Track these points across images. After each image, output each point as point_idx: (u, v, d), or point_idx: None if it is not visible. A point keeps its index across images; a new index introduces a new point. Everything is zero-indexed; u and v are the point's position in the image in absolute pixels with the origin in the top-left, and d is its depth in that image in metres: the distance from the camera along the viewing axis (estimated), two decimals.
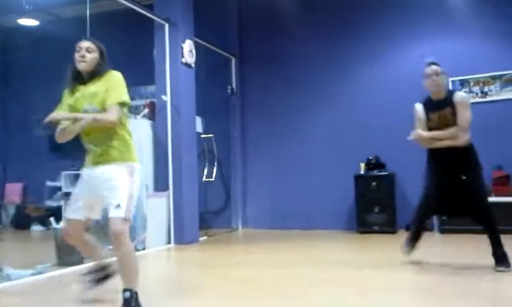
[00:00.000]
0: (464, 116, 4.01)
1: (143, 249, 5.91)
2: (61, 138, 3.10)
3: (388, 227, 6.68)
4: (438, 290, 3.53)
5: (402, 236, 6.43)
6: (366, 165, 7.00)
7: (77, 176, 3.52)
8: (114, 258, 3.03)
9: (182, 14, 6.45)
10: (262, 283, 3.93)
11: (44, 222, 8.05)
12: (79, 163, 3.86)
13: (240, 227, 7.92)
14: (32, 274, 4.28)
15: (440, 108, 4.09)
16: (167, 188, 6.26)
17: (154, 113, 6.54)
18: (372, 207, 6.80)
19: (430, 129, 4.15)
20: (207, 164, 7.72)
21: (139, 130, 6.32)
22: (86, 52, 3.04)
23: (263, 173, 7.92)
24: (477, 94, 6.67)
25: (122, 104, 3.02)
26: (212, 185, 7.78)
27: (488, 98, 6.66)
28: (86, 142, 3.10)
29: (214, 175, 7.74)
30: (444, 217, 4.27)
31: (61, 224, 4.23)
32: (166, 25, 6.37)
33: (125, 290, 2.88)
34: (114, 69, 3.12)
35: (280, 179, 7.75)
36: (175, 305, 3.37)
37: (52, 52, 6.74)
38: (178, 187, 6.26)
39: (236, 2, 8.11)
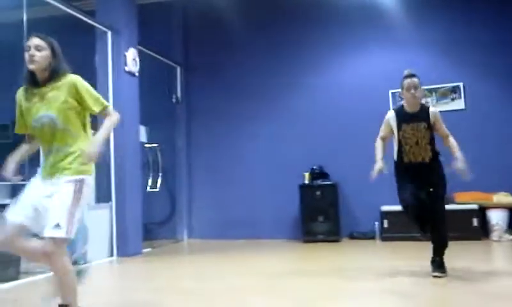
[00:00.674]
0: (444, 129, 4.14)
1: (84, 262, 5.71)
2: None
3: (333, 235, 6.80)
4: (374, 294, 3.62)
5: (346, 244, 6.61)
6: (310, 174, 7.10)
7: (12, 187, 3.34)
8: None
9: (125, 21, 6.34)
10: (203, 295, 3.88)
11: None
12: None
13: (185, 238, 7.82)
14: None
15: (415, 121, 4.09)
16: (109, 200, 6.10)
17: (96, 122, 6.36)
18: (317, 216, 6.89)
19: (400, 139, 4.13)
20: (151, 174, 7.58)
21: None
22: (36, 51, 2.82)
23: (208, 183, 7.87)
24: None
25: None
26: (157, 196, 7.64)
27: None
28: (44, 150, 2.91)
29: (158, 185, 7.62)
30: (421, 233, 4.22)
31: None
32: (109, 33, 6.24)
33: (60, 306, 2.76)
34: (73, 72, 2.96)
35: (225, 189, 7.73)
36: None
37: None
38: (121, 198, 6.11)
39: (181, 11, 8.06)
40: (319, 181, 7.01)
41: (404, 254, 5.50)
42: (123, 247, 6.06)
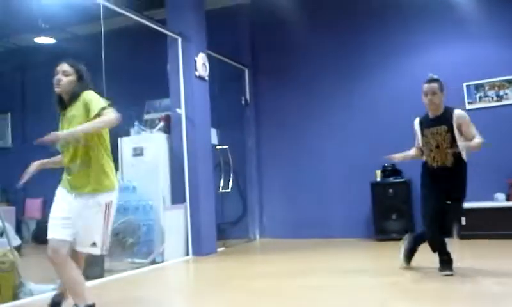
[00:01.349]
0: (472, 132, 3.98)
1: (162, 261, 5.95)
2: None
3: (406, 234, 6.59)
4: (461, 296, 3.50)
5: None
6: (382, 172, 6.97)
7: None
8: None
9: (194, 28, 6.53)
10: (282, 293, 3.92)
11: None
12: None
13: (257, 237, 7.93)
14: (54, 289, 4.33)
15: (435, 125, 4.10)
16: (184, 200, 6.31)
17: (169, 126, 6.61)
18: (389, 214, 6.76)
19: (423, 144, 4.21)
20: (222, 175, 7.74)
21: (155, 144, 6.44)
22: (63, 76, 3.02)
23: (279, 182, 7.93)
24: (492, 98, 6.62)
25: (106, 107, 2.93)
26: (229, 196, 7.79)
27: (504, 102, 6.60)
28: (65, 163, 3.07)
29: (230, 186, 7.77)
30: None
31: None
32: (179, 40, 6.45)
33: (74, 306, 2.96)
34: (93, 89, 3.05)
35: (296, 188, 7.75)
36: None
37: None
38: (195, 199, 6.30)
39: (247, 14, 8.17)
40: (391, 179, 6.87)
41: (485, 254, 5.26)
42: (198, 247, 6.24)
